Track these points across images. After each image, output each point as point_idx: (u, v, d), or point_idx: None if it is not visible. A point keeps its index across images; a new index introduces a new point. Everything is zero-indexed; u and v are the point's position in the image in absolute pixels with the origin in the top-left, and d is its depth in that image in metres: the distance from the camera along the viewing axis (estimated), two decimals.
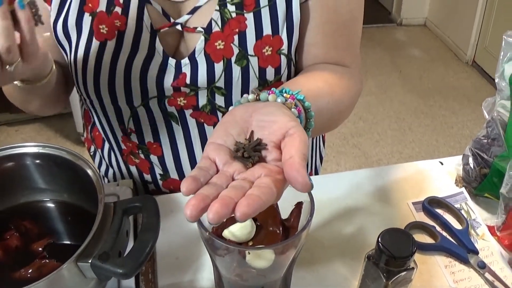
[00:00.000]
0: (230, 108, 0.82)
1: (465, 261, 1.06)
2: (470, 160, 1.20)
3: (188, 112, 1.16)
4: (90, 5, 1.09)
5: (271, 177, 0.67)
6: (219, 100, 1.13)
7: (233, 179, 0.69)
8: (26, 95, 1.11)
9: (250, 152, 0.72)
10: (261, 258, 0.77)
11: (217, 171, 0.71)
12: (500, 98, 1.15)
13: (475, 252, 1.07)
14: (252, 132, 0.76)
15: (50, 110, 1.29)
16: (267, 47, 1.10)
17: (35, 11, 0.87)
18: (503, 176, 1.07)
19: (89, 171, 0.92)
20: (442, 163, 1.33)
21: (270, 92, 0.82)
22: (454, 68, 4.77)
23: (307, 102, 0.85)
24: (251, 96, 0.82)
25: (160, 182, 1.29)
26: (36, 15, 0.88)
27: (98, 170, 0.92)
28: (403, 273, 0.86)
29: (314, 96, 0.88)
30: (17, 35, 0.85)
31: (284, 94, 0.82)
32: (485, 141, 1.17)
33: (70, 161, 0.95)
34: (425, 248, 1.08)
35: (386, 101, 4.20)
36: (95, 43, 1.09)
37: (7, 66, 0.85)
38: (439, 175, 1.29)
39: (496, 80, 1.13)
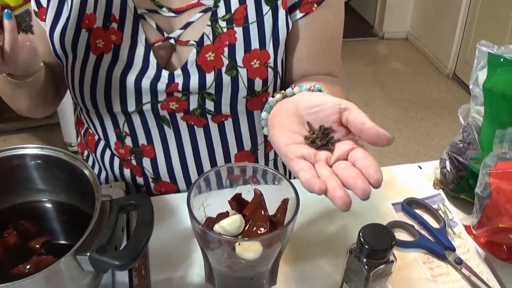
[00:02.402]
0: (263, 114, 0.94)
1: (442, 258, 1.11)
2: (447, 163, 1.24)
3: (179, 116, 1.20)
4: (87, 21, 1.13)
5: (358, 149, 0.78)
6: (209, 105, 1.17)
7: (329, 165, 0.78)
8: (13, 90, 1.15)
9: (324, 137, 0.81)
10: (249, 250, 0.82)
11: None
12: (474, 104, 1.20)
13: (452, 249, 1.12)
14: (308, 122, 0.85)
15: (38, 112, 1.34)
16: (255, 60, 1.15)
17: (28, 20, 0.92)
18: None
19: (86, 172, 0.95)
20: (420, 167, 1.37)
21: (293, 86, 0.93)
22: (435, 81, 4.81)
23: (325, 91, 0.93)
24: (278, 96, 0.93)
25: (152, 185, 1.32)
26: (27, 25, 0.92)
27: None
28: (383, 266, 0.90)
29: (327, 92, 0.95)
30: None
31: (304, 87, 0.92)
32: (461, 145, 1.22)
33: (68, 162, 0.97)
34: (404, 246, 1.12)
35: (367, 113, 3.98)
36: (92, 57, 1.14)
37: None
38: (418, 178, 1.34)
39: (471, 87, 1.18)
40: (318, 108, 0.84)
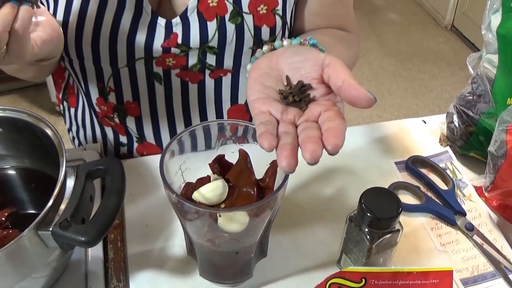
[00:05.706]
0: (248, 65, 0.85)
1: (452, 223, 1.02)
2: (455, 117, 1.16)
3: (174, 72, 1.10)
4: None
5: (332, 110, 0.69)
6: (210, 59, 1.08)
7: (295, 125, 0.70)
8: (22, 66, 1.05)
9: (299, 94, 0.72)
10: (233, 221, 0.73)
11: (276, 121, 0.71)
12: (486, 52, 1.10)
13: (463, 213, 1.03)
14: (287, 77, 0.76)
15: (43, 77, 1.25)
16: (262, 5, 1.06)
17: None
18: (490, 134, 1.02)
19: (50, 133, 0.86)
20: (425, 122, 1.28)
21: (284, 38, 0.84)
22: (432, 32, 4.73)
23: (321, 46, 0.85)
24: (265, 48, 0.85)
25: (136, 145, 1.23)
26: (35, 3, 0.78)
27: (59, 132, 0.85)
28: (388, 236, 0.81)
29: (324, 46, 0.87)
30: None
31: (296, 39, 0.84)
32: (471, 97, 1.12)
33: (32, 124, 0.88)
34: (409, 209, 1.04)
35: (364, 65, 4.15)
36: None
37: None
38: (422, 134, 1.24)
39: (483, 32, 1.08)
40: (300, 63, 0.77)
